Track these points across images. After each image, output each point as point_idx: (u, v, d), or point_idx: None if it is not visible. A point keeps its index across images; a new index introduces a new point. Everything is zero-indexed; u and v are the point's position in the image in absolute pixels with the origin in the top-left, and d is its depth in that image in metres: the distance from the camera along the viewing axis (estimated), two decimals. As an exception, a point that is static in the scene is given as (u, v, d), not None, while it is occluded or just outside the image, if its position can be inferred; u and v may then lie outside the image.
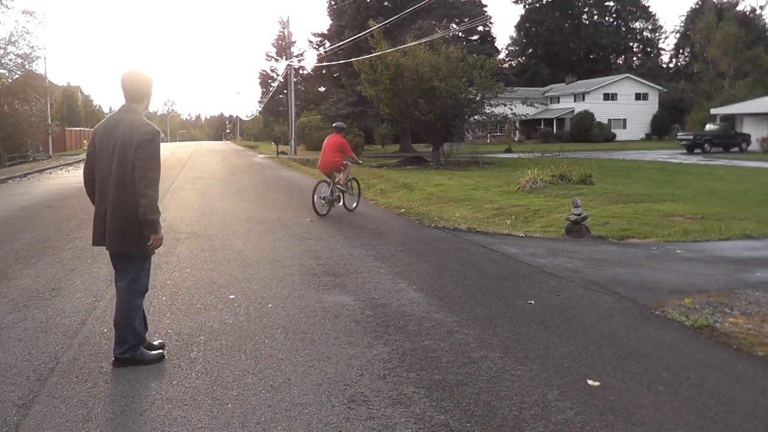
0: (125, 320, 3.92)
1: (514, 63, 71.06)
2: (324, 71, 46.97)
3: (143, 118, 3.91)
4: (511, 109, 28.86)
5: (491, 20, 45.62)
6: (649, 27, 75.48)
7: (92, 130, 4.42)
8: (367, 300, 5.43)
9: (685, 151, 34.22)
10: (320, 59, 45.82)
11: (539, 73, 67.14)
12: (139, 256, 3.93)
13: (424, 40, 25.73)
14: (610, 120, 51.86)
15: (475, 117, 26.93)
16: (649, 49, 76.10)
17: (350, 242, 8.31)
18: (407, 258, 7.29)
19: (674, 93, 55.74)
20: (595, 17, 75.16)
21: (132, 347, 3.94)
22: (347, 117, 40.63)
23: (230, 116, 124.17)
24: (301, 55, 56.58)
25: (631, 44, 76.50)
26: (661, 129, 53.07)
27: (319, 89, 54.42)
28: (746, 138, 35.32)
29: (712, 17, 53.37)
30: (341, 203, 11.27)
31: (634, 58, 76.19)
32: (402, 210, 11.59)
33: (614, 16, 75.23)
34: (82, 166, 4.19)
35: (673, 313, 4.95)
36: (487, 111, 26.46)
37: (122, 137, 3.78)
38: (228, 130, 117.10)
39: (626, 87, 53.71)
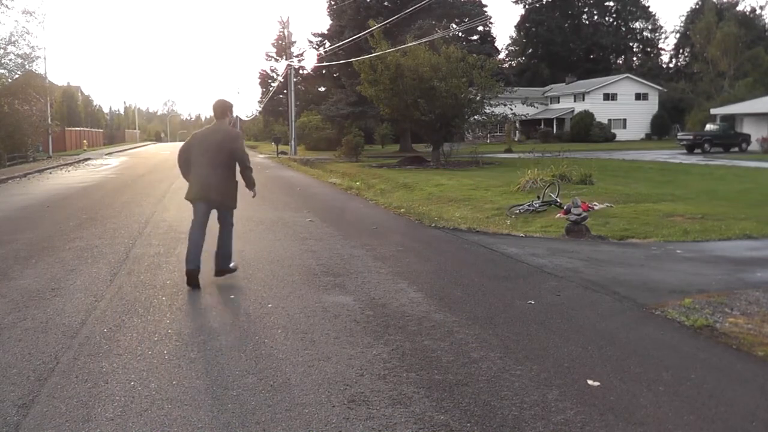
0: (229, 243, 6.29)
1: (514, 63, 71.04)
2: (324, 71, 46.94)
3: (231, 128, 6.31)
4: (511, 109, 28.86)
5: (491, 20, 45.60)
6: (649, 27, 75.46)
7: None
8: (367, 300, 5.43)
9: (685, 151, 34.20)
10: (320, 59, 45.82)
11: (539, 73, 67.10)
12: (233, 207, 6.31)
13: (424, 40, 25.73)
14: (610, 120, 51.84)
15: (475, 117, 26.90)
16: (649, 49, 76.06)
17: (350, 242, 8.31)
18: (407, 258, 7.29)
19: (674, 93, 55.70)
20: (595, 17, 75.11)
21: (229, 260, 6.25)
22: (347, 117, 40.64)
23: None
24: (301, 55, 56.60)
25: (631, 44, 76.45)
26: (661, 129, 53.04)
27: (319, 89, 54.40)
28: (746, 138, 35.29)
29: (712, 17, 53.32)
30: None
31: (634, 58, 76.15)
32: (402, 210, 11.58)
33: (614, 16, 75.18)
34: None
35: (673, 313, 4.95)
36: (487, 111, 26.44)
37: (222, 139, 6.08)
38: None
39: (626, 87, 53.69)
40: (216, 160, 6.03)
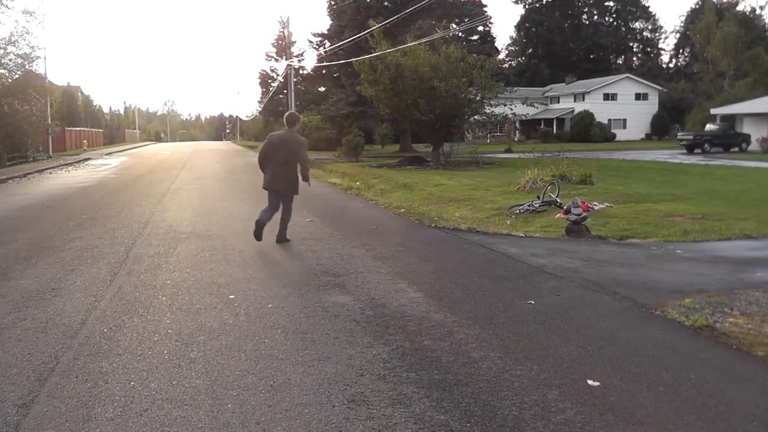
0: (288, 221, 8.28)
1: (514, 63, 71.05)
2: (324, 71, 46.89)
3: (298, 135, 8.19)
4: (511, 109, 28.80)
5: (491, 20, 45.61)
6: (649, 27, 75.49)
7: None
8: (367, 300, 5.43)
9: (685, 151, 34.20)
10: (320, 59, 45.77)
11: (539, 73, 67.11)
12: (295, 193, 8.25)
13: (424, 40, 25.69)
14: (610, 120, 51.85)
15: (475, 117, 26.86)
16: (649, 49, 76.09)
17: (350, 242, 8.31)
18: (407, 258, 7.29)
19: (674, 93, 55.73)
20: (595, 17, 75.15)
21: (286, 231, 8.25)
22: (347, 117, 40.60)
23: (230, 116, 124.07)
24: (301, 55, 56.59)
25: (631, 44, 76.48)
26: (661, 129, 53.06)
27: (319, 89, 54.35)
28: (746, 138, 35.30)
29: (712, 17, 53.35)
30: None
31: (634, 58, 76.17)
32: (402, 210, 11.59)
33: (614, 16, 75.21)
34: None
35: (673, 313, 4.95)
36: (487, 111, 26.40)
37: (292, 145, 8.03)
38: (228, 130, 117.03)
39: (626, 87, 53.70)
40: (287, 160, 7.99)
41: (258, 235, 7.98)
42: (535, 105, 43.98)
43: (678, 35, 70.61)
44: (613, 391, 3.53)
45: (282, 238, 8.20)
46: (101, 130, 69.84)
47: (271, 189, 8.12)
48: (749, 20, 58.26)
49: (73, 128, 53.87)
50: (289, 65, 42.99)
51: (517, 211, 11.45)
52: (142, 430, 3.13)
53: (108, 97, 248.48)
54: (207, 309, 5.20)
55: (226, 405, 3.38)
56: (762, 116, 34.72)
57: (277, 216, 8.23)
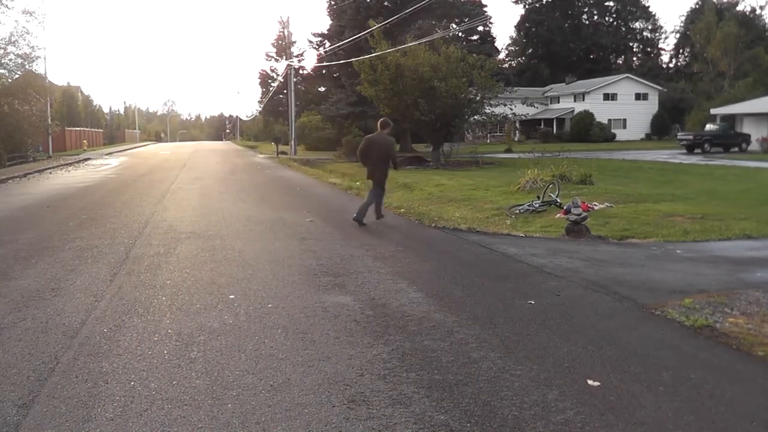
0: (381, 202, 10.27)
1: (514, 63, 71.00)
2: (324, 71, 46.88)
3: (388, 136, 10.18)
4: (511, 109, 28.80)
5: (491, 20, 45.59)
6: (649, 27, 75.43)
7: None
8: (367, 300, 5.43)
9: (685, 151, 34.19)
10: (320, 59, 45.75)
11: (539, 73, 67.07)
12: (385, 183, 10.30)
13: (424, 40, 25.68)
14: (610, 120, 51.82)
15: (475, 117, 26.87)
16: (649, 49, 76.05)
17: (350, 242, 8.31)
18: (407, 258, 7.29)
19: (674, 93, 55.69)
20: (595, 17, 75.10)
21: (381, 212, 10.24)
22: (347, 117, 40.59)
23: (230, 116, 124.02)
24: (301, 55, 56.61)
25: (631, 44, 76.43)
26: (661, 129, 53.04)
27: (319, 89, 54.33)
28: (746, 138, 35.29)
29: (712, 17, 53.35)
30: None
31: (634, 58, 76.13)
32: (402, 210, 11.59)
33: (614, 16, 75.17)
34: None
35: (673, 313, 4.95)
36: (487, 111, 26.41)
37: (384, 144, 10.05)
38: (228, 130, 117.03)
39: (626, 87, 53.67)
40: (381, 157, 10.01)
41: (360, 219, 9.72)
42: (535, 105, 43.96)
43: (678, 35, 70.61)
44: (613, 391, 3.53)
45: (380, 214, 10.13)
46: (101, 130, 69.81)
47: (372, 179, 10.21)
48: (749, 20, 58.23)
49: (73, 128, 53.84)
50: (289, 65, 42.98)
51: (517, 211, 11.45)
52: (142, 430, 3.13)
53: (108, 97, 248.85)
54: (207, 309, 5.20)
55: (226, 405, 3.38)
56: (762, 116, 34.72)
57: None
